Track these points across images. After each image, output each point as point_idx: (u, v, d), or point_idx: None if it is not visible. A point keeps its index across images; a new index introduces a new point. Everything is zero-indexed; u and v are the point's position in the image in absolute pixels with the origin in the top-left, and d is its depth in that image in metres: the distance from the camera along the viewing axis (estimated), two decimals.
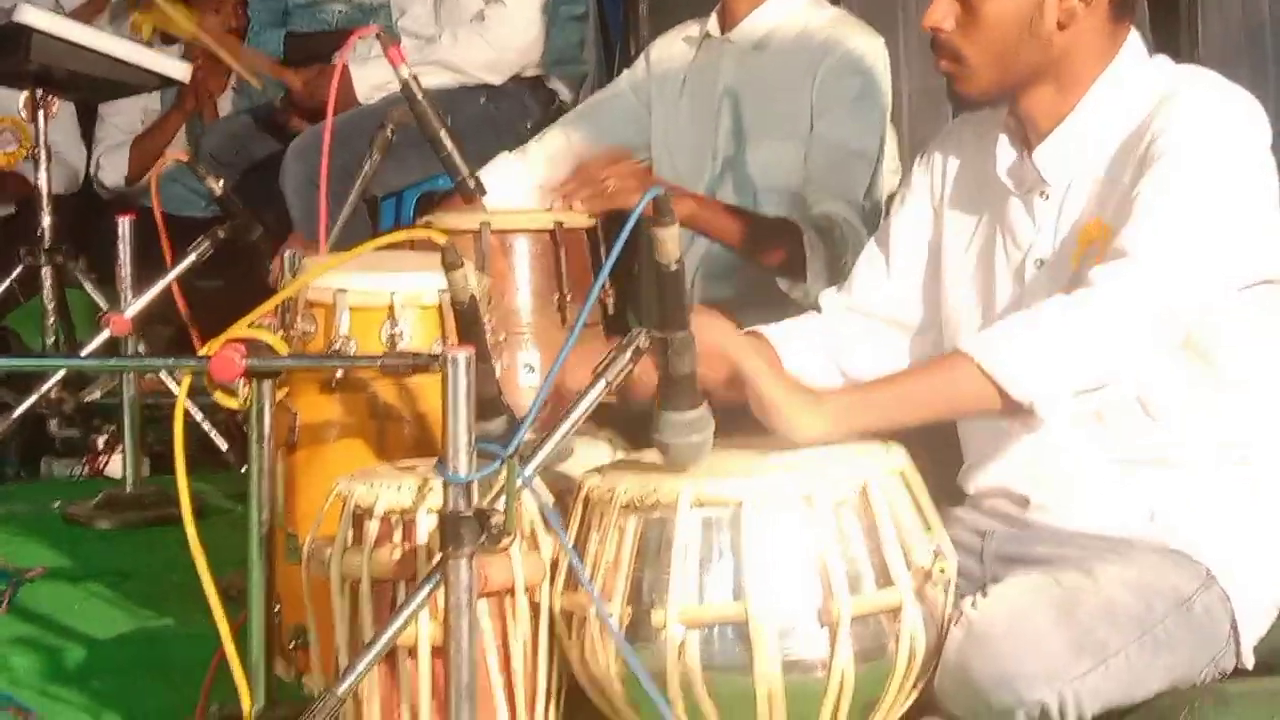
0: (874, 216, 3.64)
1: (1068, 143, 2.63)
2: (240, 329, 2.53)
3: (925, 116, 4.50)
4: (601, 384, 2.36)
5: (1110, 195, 2.57)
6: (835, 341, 2.86)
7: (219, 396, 2.58)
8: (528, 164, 3.85)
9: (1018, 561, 2.63)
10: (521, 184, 3.78)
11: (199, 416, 4.21)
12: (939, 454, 2.78)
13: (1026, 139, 2.67)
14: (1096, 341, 2.45)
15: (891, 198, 3.70)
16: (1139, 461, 2.63)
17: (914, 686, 2.42)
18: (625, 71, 4.06)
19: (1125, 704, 2.50)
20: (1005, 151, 2.69)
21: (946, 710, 2.43)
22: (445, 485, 2.18)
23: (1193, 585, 2.54)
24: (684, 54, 3.93)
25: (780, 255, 3.56)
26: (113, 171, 5.71)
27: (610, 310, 3.42)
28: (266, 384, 2.59)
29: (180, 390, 2.49)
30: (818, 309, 2.91)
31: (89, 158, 5.93)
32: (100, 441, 4.52)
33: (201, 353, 2.49)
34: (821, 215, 3.59)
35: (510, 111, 4.82)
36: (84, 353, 3.99)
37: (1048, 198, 2.66)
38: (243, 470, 4.08)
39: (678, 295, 2.33)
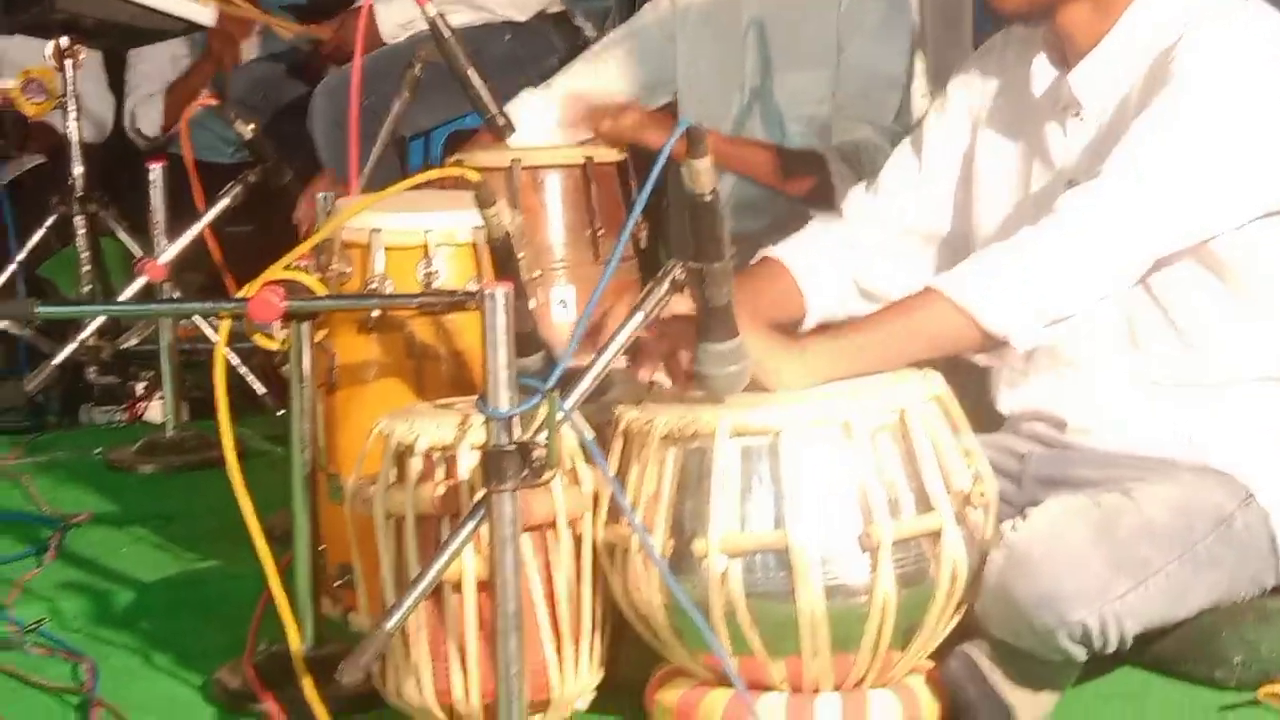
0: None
1: (1104, 63, 2.62)
2: (278, 271, 2.54)
3: (945, 41, 4.47)
4: (639, 316, 2.37)
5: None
6: (854, 255, 2.85)
7: (258, 339, 2.60)
8: (552, 100, 3.85)
9: (1056, 484, 2.64)
10: (546, 120, 3.77)
11: (235, 361, 4.23)
12: (976, 379, 2.79)
13: (1064, 58, 2.66)
14: (1063, 268, 2.46)
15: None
16: (1177, 385, 2.63)
17: (955, 610, 2.44)
18: (648, 4, 4.04)
19: (1166, 622, 2.52)
20: (1043, 70, 2.68)
21: (988, 633, 2.45)
22: (487, 421, 2.20)
23: (1232, 503, 2.55)
24: None
25: (808, 186, 3.55)
26: (149, 122, 5.71)
27: (643, 244, 3.42)
28: (305, 325, 2.60)
29: (220, 333, 2.50)
30: (842, 216, 2.90)
31: (117, 106, 5.93)
32: (139, 388, 4.55)
33: (240, 295, 2.50)
34: (848, 143, 3.58)
35: (535, 48, 4.80)
36: (120, 299, 4.00)
37: (1082, 119, 2.65)
38: (280, 413, 4.13)
39: (713, 226, 2.34)
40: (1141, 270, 2.52)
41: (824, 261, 2.84)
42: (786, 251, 2.85)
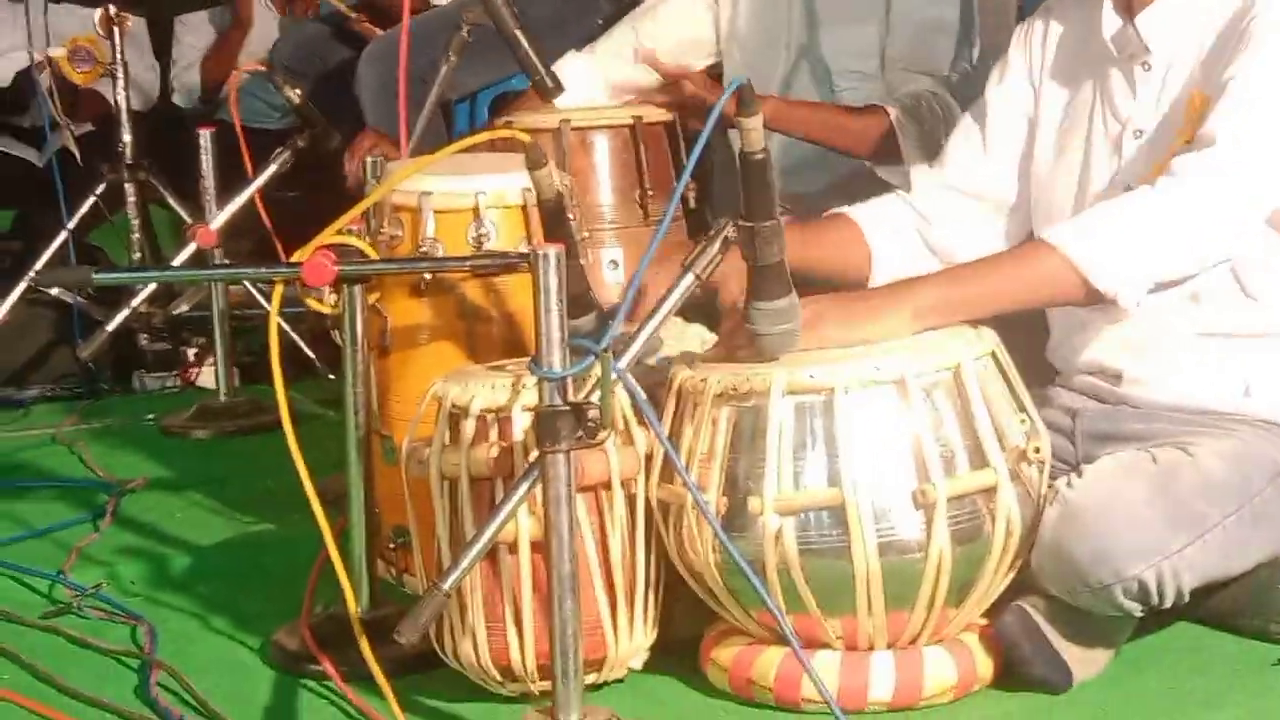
0: (964, 88, 3.59)
1: (1171, 8, 2.59)
2: (330, 235, 2.54)
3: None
4: (690, 277, 2.37)
5: (1213, 69, 2.53)
6: (924, 221, 2.84)
7: (311, 302, 2.61)
8: (597, 62, 3.83)
9: (1110, 439, 2.63)
10: (592, 82, 3.75)
11: (285, 326, 4.24)
12: (1029, 334, 2.77)
13: (1129, 6, 2.64)
14: (1180, 232, 2.44)
15: (981, 64, 3.66)
16: (1234, 336, 2.61)
17: (1011, 567, 2.43)
18: None
19: (1223, 577, 2.51)
20: (1110, 18, 2.66)
21: (1044, 589, 2.45)
22: (540, 382, 2.20)
23: None
24: None
25: (871, 143, 3.53)
26: (185, 89, 5.74)
27: (692, 205, 3.42)
28: (358, 289, 2.61)
29: (274, 298, 2.50)
30: (909, 188, 2.89)
31: (163, 74, 5.96)
32: (190, 354, 4.57)
33: (293, 260, 2.50)
34: (907, 95, 3.56)
35: (580, 8, 4.77)
36: (174, 264, 4.02)
37: (1149, 68, 2.63)
38: (330, 377, 4.15)
39: (764, 184, 2.33)
40: (1253, 235, 2.49)
41: (892, 221, 2.84)
42: (855, 210, 2.85)
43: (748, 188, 2.35)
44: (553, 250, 2.19)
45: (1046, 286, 2.48)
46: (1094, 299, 2.46)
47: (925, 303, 2.46)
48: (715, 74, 3.95)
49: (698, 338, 2.73)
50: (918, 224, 2.85)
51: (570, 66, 3.78)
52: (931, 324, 2.46)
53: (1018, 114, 2.81)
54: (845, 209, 2.87)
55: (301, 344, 4.24)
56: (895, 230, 2.84)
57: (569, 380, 2.21)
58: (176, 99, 5.79)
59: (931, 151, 3.28)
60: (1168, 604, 2.42)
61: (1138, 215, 2.45)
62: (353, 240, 2.57)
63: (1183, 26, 2.60)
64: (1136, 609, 2.41)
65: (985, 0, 4.10)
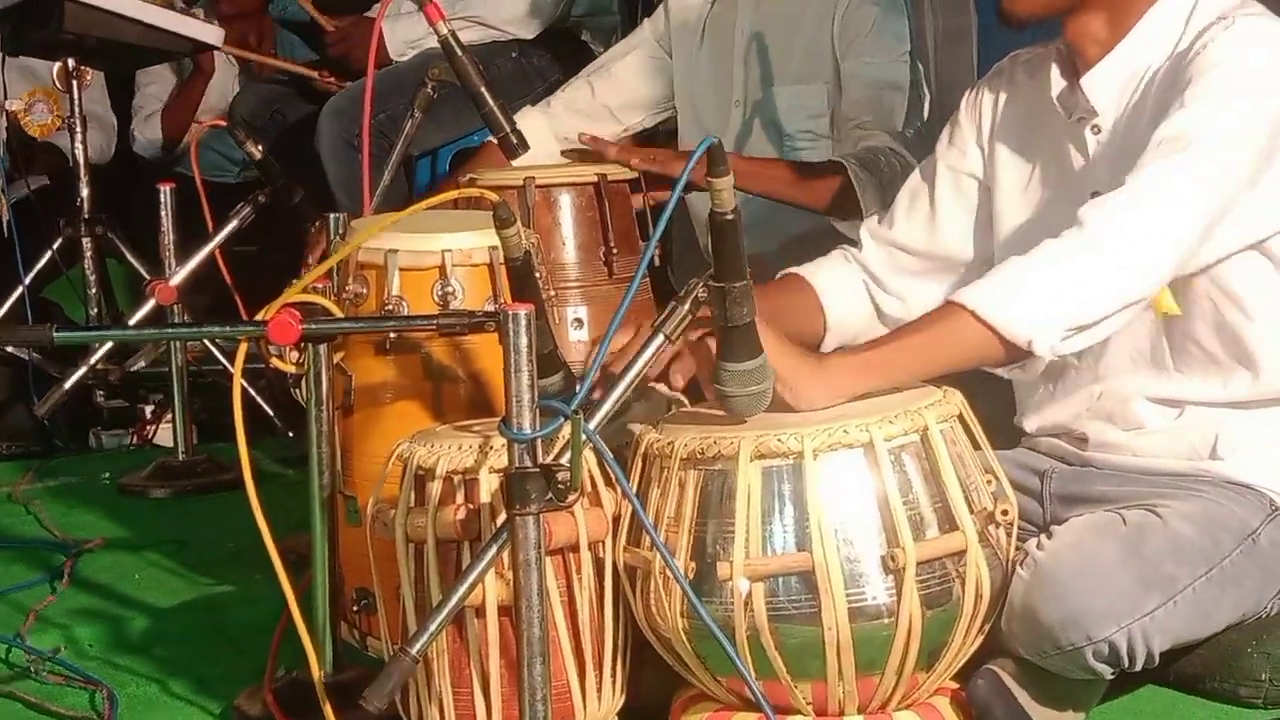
0: (918, 144, 3.61)
1: (1116, 71, 2.61)
2: (294, 293, 2.52)
3: (951, 56, 4.46)
4: (660, 338, 2.36)
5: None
6: (874, 282, 2.85)
7: (275, 361, 2.58)
8: (551, 118, 3.84)
9: (1078, 500, 2.63)
10: (546, 137, 3.76)
11: (244, 384, 4.20)
12: (995, 396, 2.78)
13: (1075, 70, 2.65)
14: (1084, 275, 2.43)
15: (938, 121, 3.68)
16: (1199, 402, 2.61)
17: (980, 630, 2.42)
18: (646, 20, 4.03)
19: (1193, 639, 2.51)
20: (1056, 79, 2.67)
21: (1013, 652, 2.44)
22: (510, 443, 2.18)
23: (1258, 518, 2.54)
24: (702, 1, 3.90)
25: (830, 197, 3.54)
26: (148, 143, 5.71)
27: (656, 263, 3.41)
28: (322, 347, 2.59)
29: (238, 356, 2.47)
30: (858, 244, 2.90)
31: (119, 127, 5.93)
32: (148, 411, 4.53)
33: (259, 317, 2.48)
34: (865, 149, 3.58)
35: (542, 65, 4.80)
36: (131, 322, 3.99)
37: (1099, 131, 2.64)
38: (290, 435, 4.12)
39: (735, 245, 2.32)
40: (1163, 279, 2.49)
41: (845, 282, 2.85)
42: (807, 270, 2.85)
43: (718, 248, 2.34)
44: (523, 310, 2.18)
45: (962, 344, 2.46)
46: (1013, 352, 2.45)
47: (844, 369, 2.45)
48: (670, 129, 3.96)
49: (664, 399, 2.72)
50: (869, 285, 2.85)
51: (527, 121, 3.78)
52: (851, 393, 2.44)
53: (966, 176, 2.82)
54: (799, 270, 2.87)
55: (261, 401, 4.21)
56: (849, 292, 2.85)
57: (538, 442, 2.20)
58: (137, 149, 5.75)
59: (890, 205, 3.29)
60: (1138, 666, 2.41)
61: (1042, 262, 2.45)
62: (318, 298, 2.55)
63: (1127, 87, 2.61)
64: (1107, 671, 2.41)
65: (944, 62, 4.14)
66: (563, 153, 3.71)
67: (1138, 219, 2.44)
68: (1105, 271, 2.44)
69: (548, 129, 3.78)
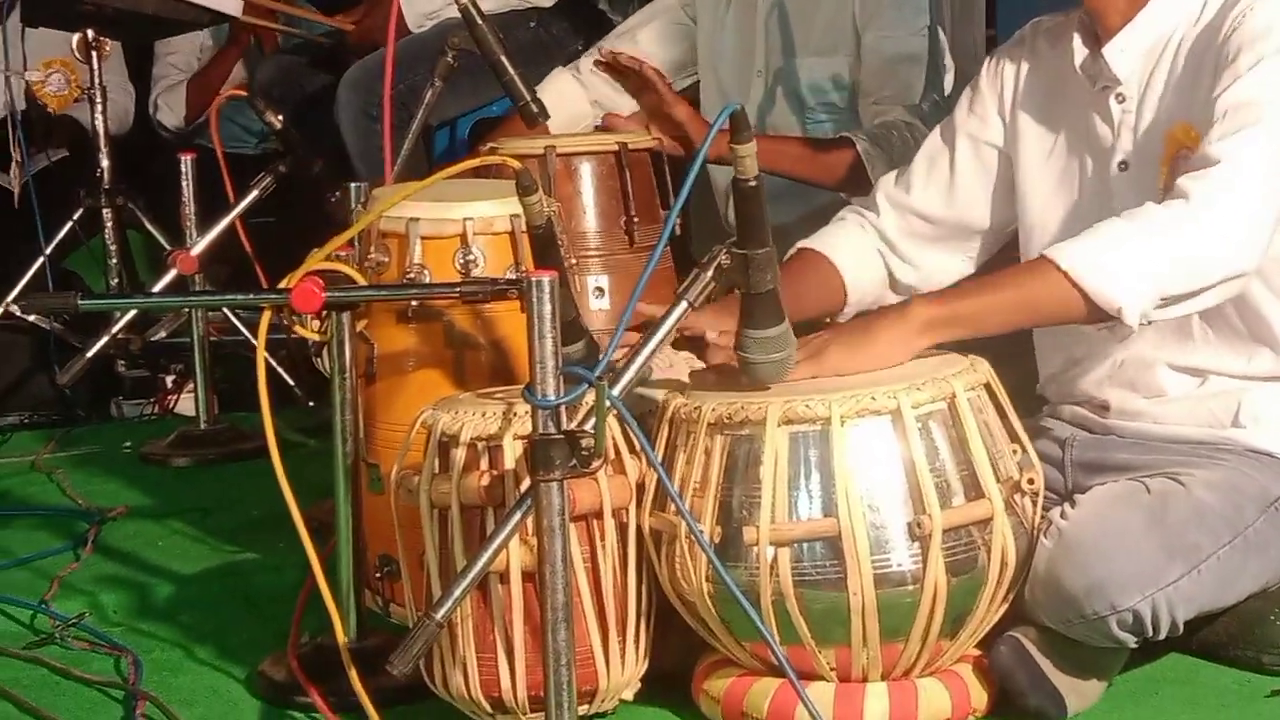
0: (935, 117, 3.60)
1: (1137, 39, 2.60)
2: (318, 261, 2.52)
3: (964, 24, 4.45)
4: (684, 305, 2.35)
5: (1194, 98, 2.54)
6: (888, 248, 2.84)
7: (298, 328, 2.59)
8: (583, 81, 3.83)
9: (1100, 469, 2.62)
10: (579, 99, 3.76)
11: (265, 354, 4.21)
12: (1020, 365, 2.77)
13: (1097, 39, 2.64)
14: (1185, 248, 2.42)
15: (955, 94, 3.67)
16: (1222, 372, 2.61)
17: (1005, 598, 2.42)
18: None
19: (1216, 608, 2.51)
20: (1079, 48, 2.66)
21: (1037, 620, 2.44)
22: (534, 410, 2.18)
23: (1279, 485, 2.53)
24: None
25: (840, 174, 3.53)
26: (171, 113, 5.71)
27: (677, 232, 3.40)
28: (345, 316, 2.59)
29: (261, 324, 2.48)
30: (874, 208, 2.89)
31: (138, 98, 5.92)
32: (168, 381, 4.54)
33: (281, 285, 2.48)
34: (879, 125, 3.57)
35: (560, 34, 4.78)
36: (155, 290, 3.99)
37: (1124, 99, 2.63)
38: (310, 405, 4.12)
39: (757, 211, 2.33)
40: (1261, 254, 2.46)
41: (861, 252, 2.84)
42: (823, 243, 2.85)
43: (741, 215, 2.34)
44: (547, 277, 2.18)
45: (1049, 303, 2.45)
46: (1097, 315, 2.43)
47: (926, 320, 2.45)
48: (693, 97, 3.95)
49: (687, 365, 2.72)
50: (883, 252, 2.85)
51: (556, 85, 3.78)
52: (932, 340, 2.45)
53: (986, 144, 2.81)
54: (812, 243, 2.86)
55: (282, 372, 4.22)
56: (865, 262, 2.84)
57: (562, 408, 2.20)
58: (161, 118, 5.75)
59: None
60: (1161, 635, 2.41)
61: (1142, 231, 2.43)
62: (342, 267, 2.55)
63: (1150, 55, 2.60)
64: (1131, 640, 2.41)
65: (959, 32, 4.12)
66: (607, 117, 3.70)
67: (1239, 195, 2.42)
68: (1206, 246, 2.42)
69: (580, 93, 3.78)
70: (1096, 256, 2.42)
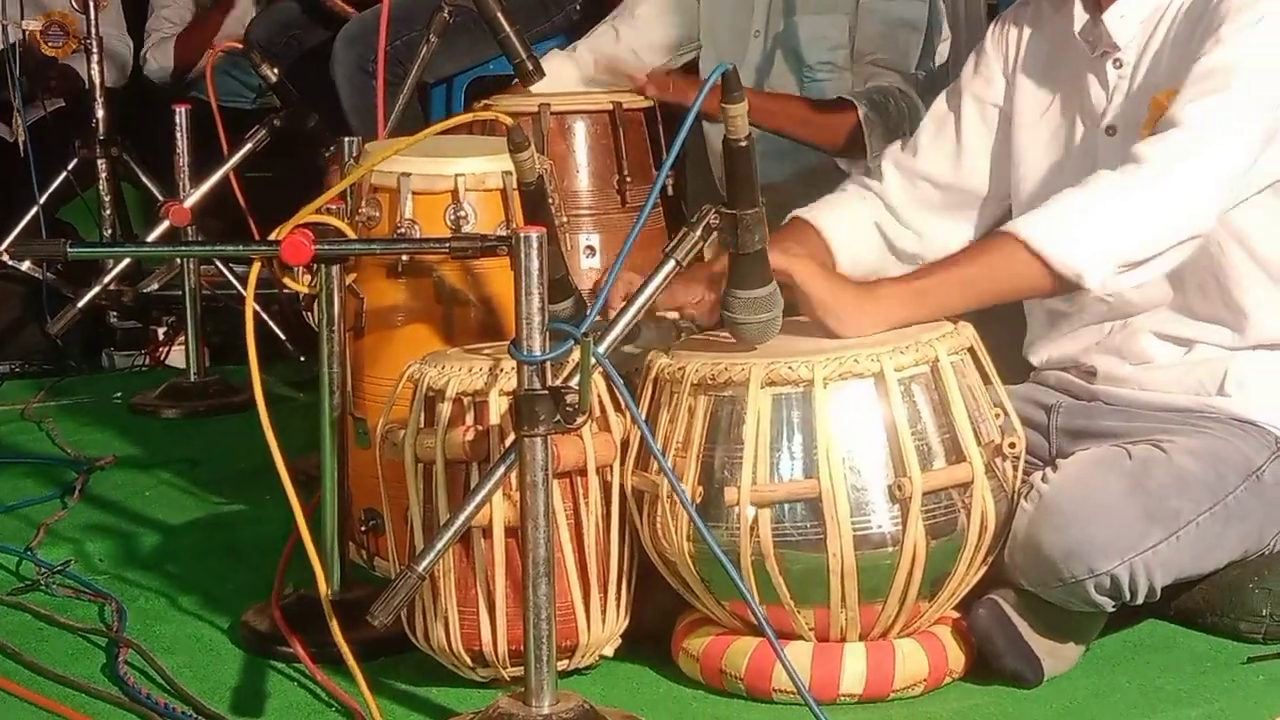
0: (929, 86, 3.61)
1: (1137, 6, 2.61)
2: (308, 214, 2.53)
3: None
4: (671, 264, 2.36)
5: (1184, 65, 2.54)
6: (887, 216, 2.84)
7: (288, 281, 2.59)
8: (578, 63, 3.83)
9: (1084, 435, 2.63)
10: (573, 82, 3.75)
11: (256, 308, 4.21)
12: (1005, 330, 2.78)
13: (1098, 2, 2.64)
14: (1143, 212, 2.44)
15: (946, 65, 3.69)
16: (1208, 341, 2.62)
17: (984, 561, 2.44)
18: None
19: (1195, 574, 2.52)
20: (1079, 13, 2.67)
21: (1016, 583, 2.45)
22: (520, 365, 2.19)
23: (1262, 455, 2.54)
24: None
25: (840, 137, 3.54)
26: (159, 66, 5.70)
27: (669, 192, 3.41)
28: (335, 269, 2.60)
29: (250, 275, 2.48)
30: (879, 175, 2.89)
31: (136, 51, 5.91)
32: (160, 333, 4.55)
33: (272, 237, 2.49)
34: (875, 89, 3.57)
35: None
36: (148, 241, 4.00)
37: (1121, 65, 2.64)
38: (301, 360, 4.13)
39: (747, 171, 2.33)
40: (1215, 216, 2.48)
41: (854, 222, 2.83)
42: (814, 213, 2.84)
43: (731, 175, 2.34)
44: (535, 233, 2.19)
45: (1011, 276, 2.47)
46: (1061, 285, 2.45)
47: (890, 299, 2.45)
48: (693, 68, 3.95)
49: (673, 326, 2.73)
50: (883, 222, 2.84)
51: (550, 66, 3.77)
52: (898, 322, 2.45)
53: (990, 105, 2.81)
54: (806, 216, 2.85)
55: (273, 326, 4.22)
56: (860, 234, 2.83)
57: (548, 365, 2.21)
58: (147, 73, 5.74)
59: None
60: (1139, 600, 2.43)
61: (1099, 197, 2.45)
62: (332, 220, 2.56)
63: (1150, 22, 2.61)
64: (1108, 604, 2.42)
65: (958, 2, 4.12)
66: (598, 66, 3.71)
67: (1192, 158, 2.44)
68: (1160, 209, 2.44)
69: (575, 74, 3.78)
70: (1055, 226, 2.44)
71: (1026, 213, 2.53)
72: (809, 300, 2.44)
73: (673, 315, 2.69)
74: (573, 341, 2.21)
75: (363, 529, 2.79)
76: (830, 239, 2.81)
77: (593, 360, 2.21)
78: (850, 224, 2.83)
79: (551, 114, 3.23)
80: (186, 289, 4.07)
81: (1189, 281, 2.60)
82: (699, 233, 2.35)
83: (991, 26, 2.85)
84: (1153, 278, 2.51)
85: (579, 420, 2.23)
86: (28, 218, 4.46)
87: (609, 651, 2.49)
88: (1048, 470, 2.49)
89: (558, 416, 2.19)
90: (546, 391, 2.19)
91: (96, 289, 4.04)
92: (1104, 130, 2.63)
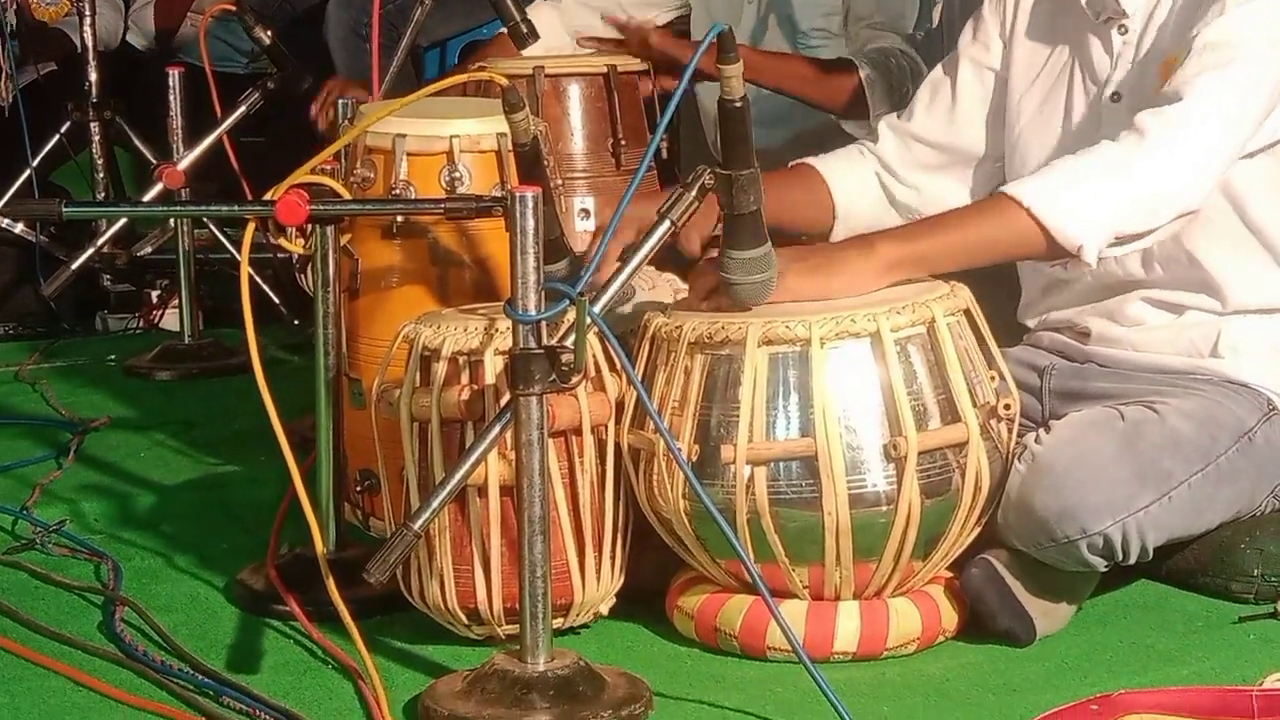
0: (928, 46, 3.61)
1: None
2: (303, 174, 2.53)
3: None
4: (665, 224, 2.37)
5: (1187, 31, 2.54)
6: (889, 173, 2.84)
7: (282, 242, 2.59)
8: (563, 12, 3.82)
9: (1078, 397, 2.64)
10: (556, 30, 3.75)
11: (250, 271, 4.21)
12: (1001, 292, 2.79)
13: None
14: (1141, 185, 2.45)
15: (949, 26, 3.68)
16: (1197, 308, 2.63)
17: (978, 521, 2.45)
18: None
19: (1187, 535, 2.54)
20: None
21: (1009, 544, 2.46)
22: (515, 324, 2.20)
23: (1254, 417, 2.56)
24: None
25: (843, 97, 3.54)
26: (140, 33, 5.69)
27: (664, 155, 3.41)
28: (330, 229, 2.60)
29: (245, 237, 2.49)
30: (875, 137, 2.90)
31: (126, 14, 5.90)
32: (153, 296, 4.55)
33: (267, 197, 2.49)
34: (876, 50, 3.57)
35: None
36: (142, 201, 3.99)
37: (1126, 31, 2.64)
38: (295, 323, 4.13)
39: (742, 132, 2.33)
40: (1210, 189, 2.50)
41: (855, 172, 2.84)
42: (818, 159, 2.85)
43: (726, 135, 2.34)
44: (530, 192, 2.19)
45: (1008, 240, 2.48)
46: (1056, 252, 2.46)
47: (887, 256, 2.46)
48: (681, 29, 3.94)
49: (670, 286, 2.73)
50: (882, 176, 2.85)
51: (536, 16, 3.76)
52: (894, 278, 2.46)
53: (987, 69, 2.81)
54: (810, 160, 2.87)
55: (267, 289, 4.22)
56: (860, 182, 2.84)
57: (543, 324, 2.21)
58: (129, 38, 5.73)
59: (898, 107, 3.29)
60: (1131, 560, 2.44)
61: (1100, 168, 2.46)
62: (327, 180, 2.56)
63: None
64: (1100, 564, 2.43)
65: None
66: (581, 40, 3.70)
67: (1194, 135, 2.45)
68: (1161, 185, 2.45)
69: (559, 22, 3.77)
70: (1057, 194, 2.44)
71: (1024, 176, 2.53)
72: (809, 251, 2.45)
73: (668, 276, 2.71)
74: (568, 301, 2.21)
75: (358, 490, 2.80)
76: (830, 182, 2.83)
77: (588, 320, 2.21)
78: (850, 171, 2.85)
79: (546, 76, 3.23)
80: (180, 252, 4.08)
81: (1179, 253, 2.60)
82: (694, 193, 2.35)
83: None
84: (1147, 246, 2.52)
85: (574, 379, 2.23)
86: (20, 180, 4.46)
87: (604, 610, 2.51)
88: (1041, 431, 2.50)
89: (553, 376, 2.20)
90: (542, 351, 2.20)
91: (90, 251, 4.04)
92: (1109, 97, 2.64)
